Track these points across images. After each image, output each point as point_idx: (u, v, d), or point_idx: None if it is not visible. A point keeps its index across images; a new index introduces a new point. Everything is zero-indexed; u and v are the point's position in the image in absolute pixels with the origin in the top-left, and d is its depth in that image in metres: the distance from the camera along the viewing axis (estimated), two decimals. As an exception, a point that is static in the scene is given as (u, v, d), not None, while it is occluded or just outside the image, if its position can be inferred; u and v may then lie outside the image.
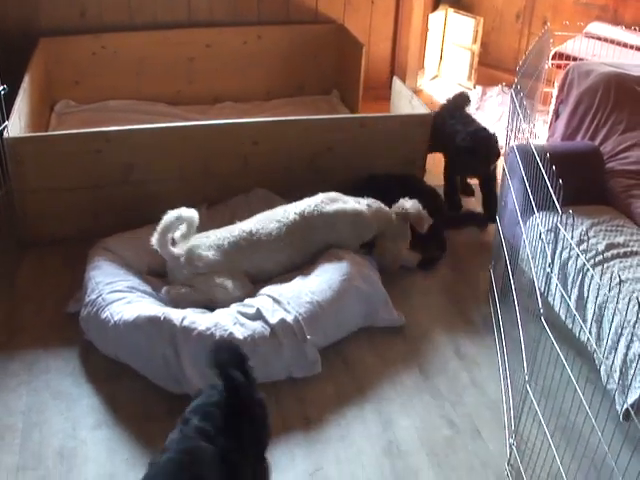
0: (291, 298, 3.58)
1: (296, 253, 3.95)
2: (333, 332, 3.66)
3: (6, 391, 3.33)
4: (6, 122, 4.17)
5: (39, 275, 4.12)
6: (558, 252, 3.30)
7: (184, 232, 3.73)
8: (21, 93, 4.58)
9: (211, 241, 3.80)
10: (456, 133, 4.73)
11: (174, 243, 3.75)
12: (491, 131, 4.68)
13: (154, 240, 3.67)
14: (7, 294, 3.96)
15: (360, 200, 4.16)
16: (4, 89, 4.15)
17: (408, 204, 4.18)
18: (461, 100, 5.14)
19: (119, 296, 3.52)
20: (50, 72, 5.64)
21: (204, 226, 3.98)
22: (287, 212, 3.99)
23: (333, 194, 4.13)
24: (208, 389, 2.53)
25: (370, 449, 3.11)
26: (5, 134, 4.11)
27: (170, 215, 3.64)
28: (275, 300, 3.56)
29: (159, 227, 3.65)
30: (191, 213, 3.70)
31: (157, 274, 3.90)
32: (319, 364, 3.50)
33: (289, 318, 3.46)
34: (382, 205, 4.19)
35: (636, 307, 2.84)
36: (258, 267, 3.87)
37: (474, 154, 4.58)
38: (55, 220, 4.33)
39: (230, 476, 2.30)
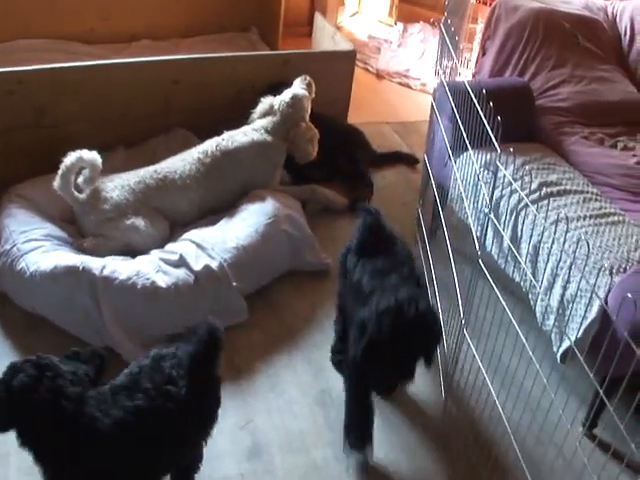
0: (215, 244, 3.45)
1: (208, 192, 3.81)
2: (259, 277, 3.57)
3: None
4: None
5: (-53, 224, 3.88)
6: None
7: (87, 176, 3.54)
8: None
9: (116, 183, 3.63)
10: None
11: (80, 190, 3.56)
12: (423, 303, 2.58)
13: (56, 184, 3.48)
14: None
15: (256, 125, 4.03)
16: None
17: (290, 93, 4.07)
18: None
19: (35, 245, 3.33)
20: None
21: (122, 168, 3.84)
22: (192, 152, 3.87)
23: (235, 131, 4.00)
24: None
25: (302, 399, 3.04)
26: None
27: (71, 157, 3.45)
28: (199, 246, 3.43)
29: (60, 170, 3.46)
30: (93, 155, 3.51)
31: (72, 221, 3.70)
32: (245, 311, 3.41)
33: (214, 264, 3.33)
34: (277, 109, 4.05)
35: (579, 247, 2.80)
36: (171, 207, 3.71)
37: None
38: (-38, 166, 4.08)
39: None
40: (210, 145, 3.88)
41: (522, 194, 2.86)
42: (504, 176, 2.97)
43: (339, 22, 6.79)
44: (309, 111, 4.09)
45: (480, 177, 2.86)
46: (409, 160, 4.76)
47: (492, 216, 2.67)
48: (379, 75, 6.06)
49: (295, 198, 3.99)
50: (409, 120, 5.29)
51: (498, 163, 2.46)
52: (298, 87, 4.09)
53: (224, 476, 2.69)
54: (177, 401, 2.23)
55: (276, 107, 4.03)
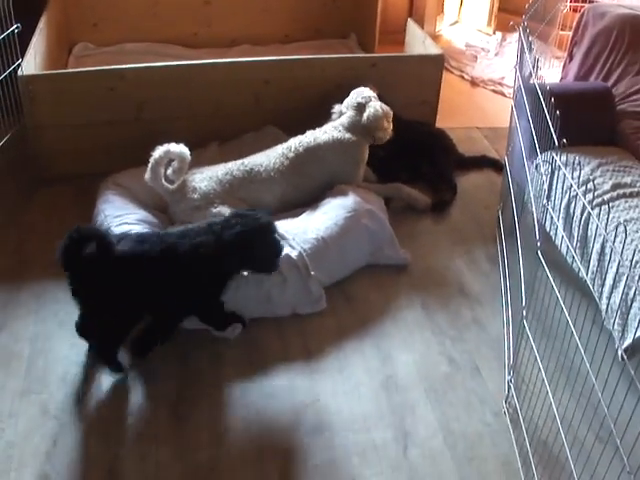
0: (296, 234, 3.59)
1: (291, 186, 3.95)
2: (338, 269, 3.68)
3: (15, 319, 3.40)
4: (20, 60, 4.22)
5: (50, 210, 4.17)
6: (561, 192, 3.27)
7: (176, 168, 3.72)
8: (37, 33, 4.63)
9: (204, 175, 3.82)
10: None
11: (171, 181, 3.76)
12: None
13: (146, 176, 3.69)
14: (18, 227, 4.03)
15: (335, 123, 4.15)
16: (17, 28, 4.19)
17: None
18: None
19: (126, 228, 3.52)
20: (68, 14, 5.68)
21: (215, 162, 4.02)
22: (277, 148, 4.03)
23: (317, 129, 4.14)
24: None
25: (368, 382, 3.14)
26: (19, 72, 4.15)
27: (159, 150, 3.65)
28: (280, 236, 3.57)
29: (150, 163, 3.67)
30: (180, 148, 3.69)
31: (164, 210, 3.91)
32: (324, 300, 3.53)
33: (293, 254, 3.47)
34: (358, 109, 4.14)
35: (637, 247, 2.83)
36: (254, 197, 3.86)
37: None
38: (67, 157, 4.37)
39: None
40: (294, 142, 4.04)
41: (582, 199, 2.90)
42: (578, 177, 3.03)
43: (438, 30, 6.89)
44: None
45: (542, 172, 2.92)
46: (495, 165, 4.80)
47: (550, 209, 2.73)
48: (474, 82, 6.13)
49: (379, 195, 4.11)
50: (499, 126, 5.33)
51: (555, 157, 2.53)
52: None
53: (284, 448, 2.82)
54: None
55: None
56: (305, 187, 4.00)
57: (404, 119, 4.40)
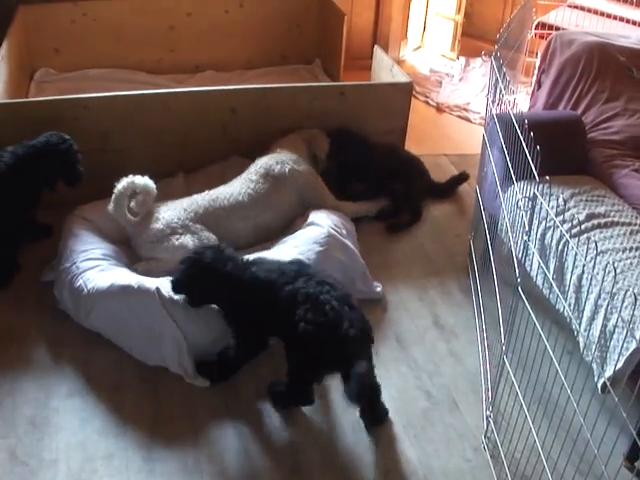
0: (267, 268, 3.52)
1: (261, 213, 3.92)
2: (310, 303, 3.61)
3: (-21, 360, 3.29)
4: (-19, 89, 4.14)
5: (14, 243, 4.06)
6: (536, 222, 3.25)
7: (140, 200, 3.67)
8: (-2, 60, 4.53)
9: (168, 206, 3.77)
10: None
11: (134, 213, 3.69)
12: None
13: (110, 208, 3.63)
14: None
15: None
16: (-22, 56, 4.10)
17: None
18: None
19: (93, 264, 3.46)
20: (29, 40, 5.58)
21: (181, 193, 3.98)
22: (242, 176, 4.02)
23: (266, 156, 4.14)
24: None
25: (345, 419, 3.08)
26: (-21, 101, 4.06)
27: (123, 182, 3.60)
28: (251, 269, 3.51)
29: (114, 195, 3.61)
30: (145, 180, 3.64)
31: (129, 243, 3.82)
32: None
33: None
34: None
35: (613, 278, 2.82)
36: (224, 228, 3.80)
37: None
38: (31, 188, 4.25)
39: None
40: (254, 169, 4.02)
41: (561, 228, 2.89)
42: (551, 208, 3.01)
43: (402, 56, 6.88)
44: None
45: (521, 206, 2.89)
46: (463, 179, 4.83)
47: (530, 243, 2.70)
48: (439, 108, 6.12)
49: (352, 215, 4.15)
50: (467, 153, 5.32)
51: (536, 192, 2.50)
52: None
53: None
54: None
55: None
56: (277, 213, 3.98)
57: (376, 143, 4.42)
